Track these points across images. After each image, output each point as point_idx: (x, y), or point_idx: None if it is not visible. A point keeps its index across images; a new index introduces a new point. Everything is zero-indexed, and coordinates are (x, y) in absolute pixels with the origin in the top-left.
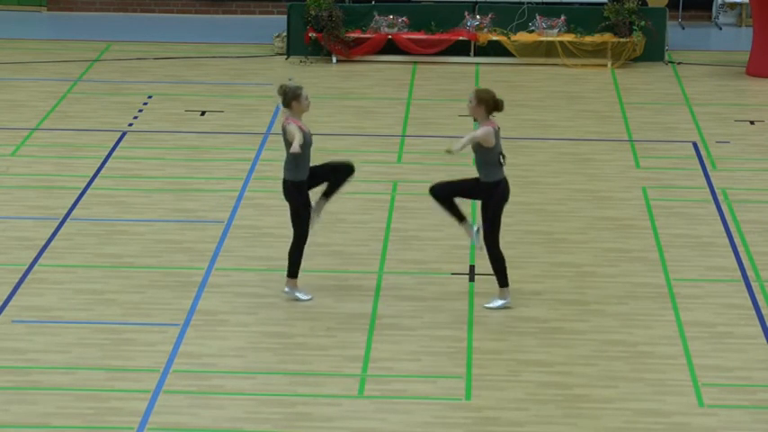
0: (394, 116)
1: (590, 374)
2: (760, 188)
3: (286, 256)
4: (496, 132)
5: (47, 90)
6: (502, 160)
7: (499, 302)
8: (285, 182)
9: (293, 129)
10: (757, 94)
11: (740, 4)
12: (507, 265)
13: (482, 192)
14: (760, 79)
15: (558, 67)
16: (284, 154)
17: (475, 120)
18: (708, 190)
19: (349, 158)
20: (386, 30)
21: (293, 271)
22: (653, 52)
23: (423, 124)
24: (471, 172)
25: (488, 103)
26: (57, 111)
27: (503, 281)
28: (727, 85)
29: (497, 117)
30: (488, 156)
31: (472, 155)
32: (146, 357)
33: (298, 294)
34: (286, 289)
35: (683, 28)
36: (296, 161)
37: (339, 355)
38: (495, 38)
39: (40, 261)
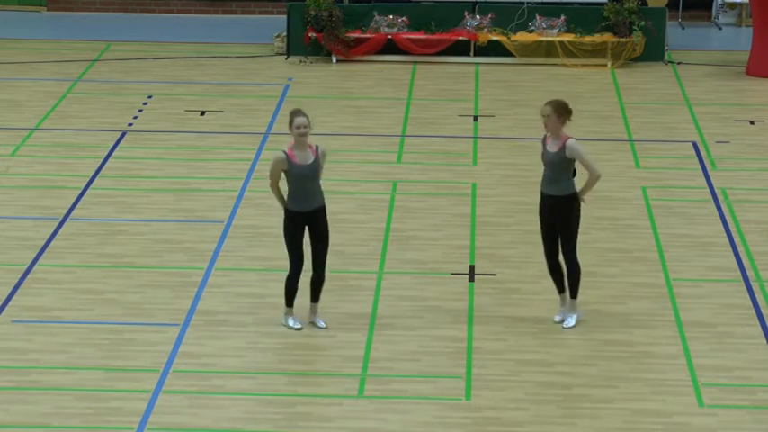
0: (394, 116)
1: (590, 374)
2: (760, 188)
3: (285, 256)
4: None
5: (47, 90)
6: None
7: (574, 319)
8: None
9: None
10: (757, 94)
11: (740, 4)
12: (508, 264)
13: (562, 207)
14: (760, 79)
15: (558, 67)
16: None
17: (550, 130)
18: (708, 190)
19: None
20: (386, 30)
21: (286, 300)
22: (653, 52)
23: (423, 124)
24: (473, 173)
25: (566, 114)
26: (57, 111)
27: (575, 292)
28: (727, 85)
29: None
30: (570, 167)
31: (471, 154)
32: (146, 357)
33: (289, 322)
34: (281, 319)
35: (683, 28)
36: (291, 190)
37: (339, 355)
38: (494, 38)
39: (40, 261)
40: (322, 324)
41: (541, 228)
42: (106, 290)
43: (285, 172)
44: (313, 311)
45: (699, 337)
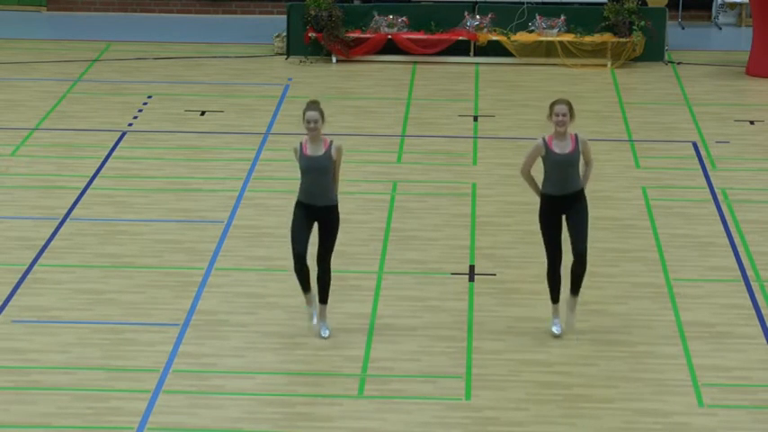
0: (394, 116)
1: (590, 374)
2: (760, 188)
3: (286, 255)
4: None
5: (47, 90)
6: None
7: (573, 312)
8: None
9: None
10: (757, 94)
11: (740, 4)
12: (508, 264)
13: (581, 200)
14: (760, 79)
15: (558, 67)
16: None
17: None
18: (708, 190)
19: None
20: (386, 30)
21: (301, 287)
22: (653, 52)
23: (423, 124)
24: (473, 173)
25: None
26: (57, 111)
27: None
28: (727, 85)
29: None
30: (579, 163)
31: (471, 154)
32: (146, 357)
33: (313, 320)
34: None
35: (683, 28)
36: (301, 183)
37: (339, 355)
38: (494, 38)
39: (40, 261)
40: (324, 333)
41: (549, 233)
42: (106, 290)
43: (297, 162)
44: (320, 315)
45: (699, 337)
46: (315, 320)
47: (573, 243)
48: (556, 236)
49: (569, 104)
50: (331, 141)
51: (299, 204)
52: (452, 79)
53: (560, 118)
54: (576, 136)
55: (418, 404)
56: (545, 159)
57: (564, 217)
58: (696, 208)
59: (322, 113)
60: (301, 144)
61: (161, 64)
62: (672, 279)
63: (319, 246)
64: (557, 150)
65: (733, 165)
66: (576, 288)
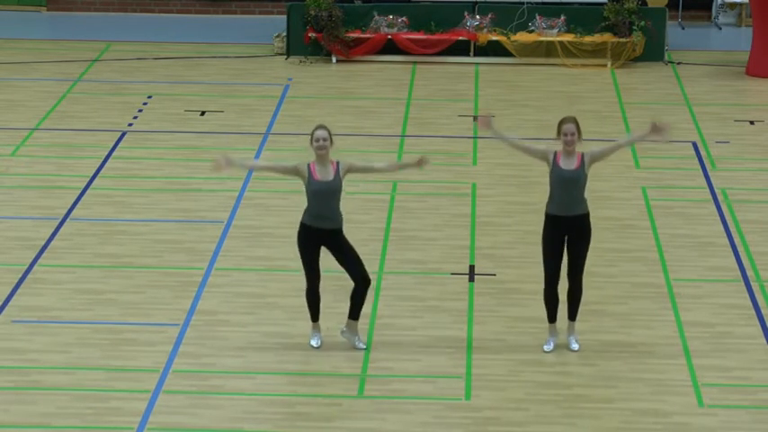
0: (394, 116)
1: (590, 374)
2: (760, 188)
3: (286, 255)
4: None
5: (47, 90)
6: None
7: (577, 342)
8: None
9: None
10: (757, 94)
11: (740, 4)
12: (508, 264)
13: (585, 225)
14: (760, 79)
15: (558, 67)
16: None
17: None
18: (708, 190)
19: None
20: (385, 30)
21: (310, 315)
22: (653, 52)
23: (422, 124)
24: (473, 173)
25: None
26: (57, 111)
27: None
28: (727, 85)
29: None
30: (585, 184)
31: (470, 154)
32: (146, 357)
33: (311, 341)
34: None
35: (683, 28)
36: (308, 205)
37: (339, 355)
38: (494, 38)
39: (40, 261)
40: (361, 345)
41: (549, 252)
42: (106, 290)
43: (304, 185)
44: (351, 329)
45: (699, 337)
46: (316, 342)
47: (569, 269)
48: (556, 255)
49: (576, 122)
50: (338, 162)
51: (302, 228)
52: (452, 79)
53: (569, 137)
54: (582, 154)
55: (418, 404)
56: (551, 173)
57: (566, 239)
58: (696, 208)
59: (330, 134)
60: (309, 167)
61: (161, 64)
62: (672, 279)
63: (345, 265)
64: (562, 166)
65: (733, 165)
66: (573, 314)
